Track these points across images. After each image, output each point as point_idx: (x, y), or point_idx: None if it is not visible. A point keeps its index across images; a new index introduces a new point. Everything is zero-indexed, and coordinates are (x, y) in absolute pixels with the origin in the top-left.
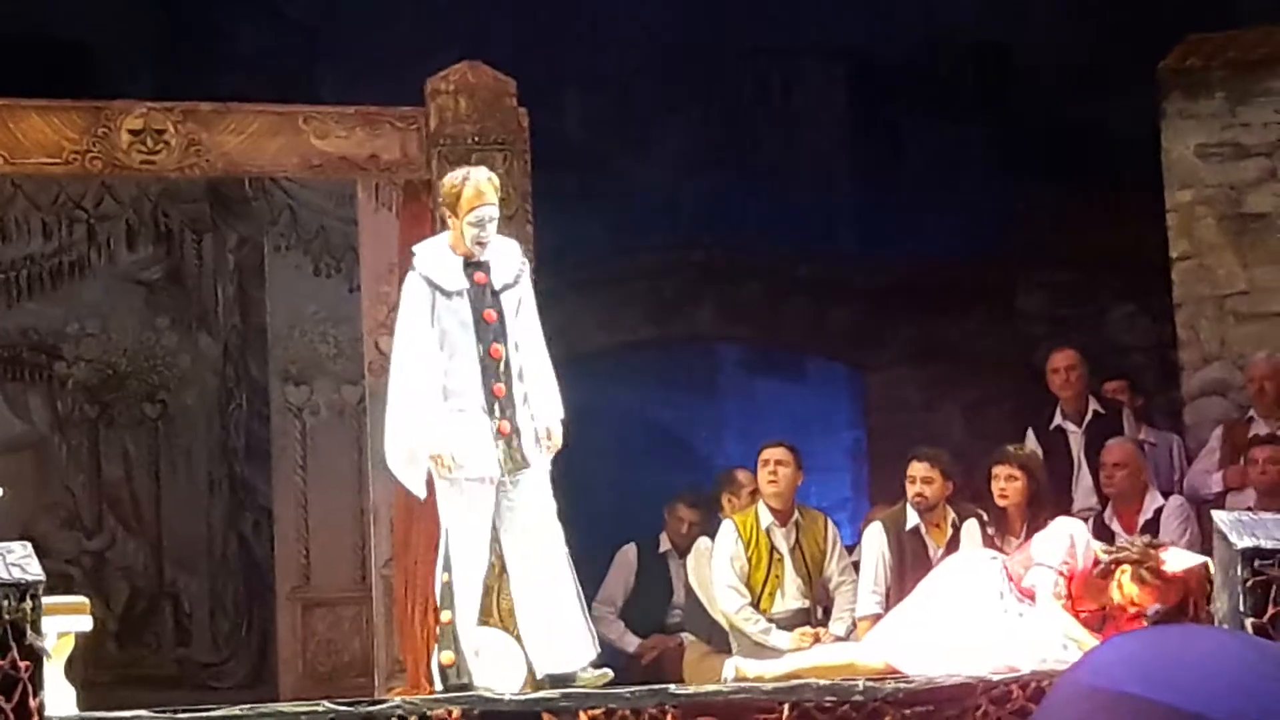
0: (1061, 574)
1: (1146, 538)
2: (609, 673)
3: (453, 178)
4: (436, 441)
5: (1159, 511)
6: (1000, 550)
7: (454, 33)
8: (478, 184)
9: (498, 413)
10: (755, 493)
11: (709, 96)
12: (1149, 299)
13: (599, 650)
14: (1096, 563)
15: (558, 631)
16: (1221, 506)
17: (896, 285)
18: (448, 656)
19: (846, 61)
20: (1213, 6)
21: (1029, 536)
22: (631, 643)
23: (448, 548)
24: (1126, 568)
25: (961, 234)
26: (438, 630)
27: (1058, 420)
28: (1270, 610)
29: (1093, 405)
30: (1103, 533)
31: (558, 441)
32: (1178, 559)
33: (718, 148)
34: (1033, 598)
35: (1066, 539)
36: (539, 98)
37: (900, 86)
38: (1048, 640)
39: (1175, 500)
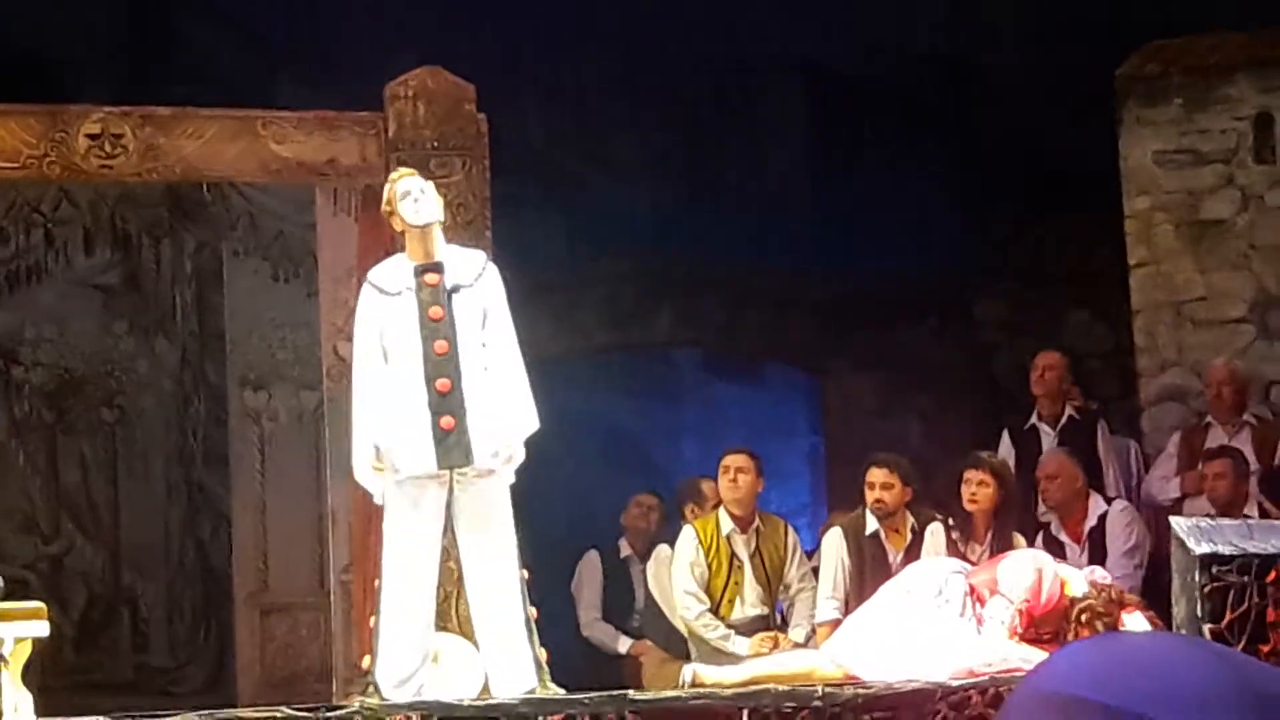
0: (1020, 610)
1: (1118, 590)
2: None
3: (385, 191)
4: (372, 442)
5: (1104, 518)
6: (964, 557)
7: (413, 38)
8: (396, 173)
9: (441, 408)
10: (718, 505)
11: (669, 105)
12: (1106, 306)
13: (539, 682)
14: (1063, 597)
15: (503, 654)
16: (1179, 512)
17: (854, 293)
18: (366, 661)
19: (805, 73)
20: (1170, 14)
21: (995, 543)
22: (624, 643)
23: (384, 553)
24: (1086, 615)
25: (919, 242)
26: None
27: (1033, 420)
28: (1227, 616)
29: (1069, 410)
30: (1051, 543)
31: (515, 456)
32: (1137, 624)
33: (678, 156)
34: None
35: (1033, 574)
36: (499, 104)
37: (858, 98)
38: (993, 660)
39: (1119, 505)
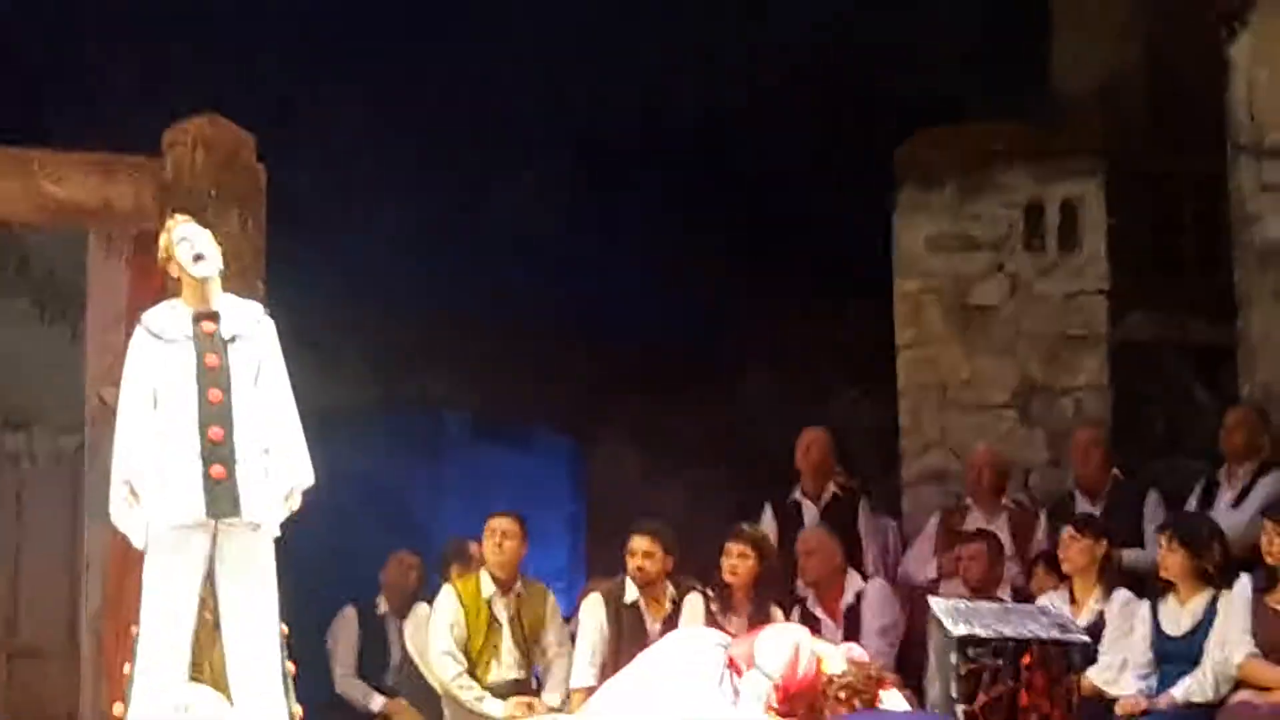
0: (777, 685)
1: (876, 668)
2: None
3: (162, 239)
4: (125, 482)
5: (861, 595)
6: (721, 628)
7: (193, 82)
8: (173, 219)
9: (213, 457)
10: (481, 566)
11: (442, 163)
12: (874, 384)
13: None
14: (820, 674)
15: (257, 708)
16: (936, 593)
17: (624, 362)
18: (119, 709)
19: (580, 139)
20: (946, 100)
21: (753, 616)
22: (377, 701)
23: (143, 600)
24: (844, 692)
25: (690, 313)
26: None
27: (796, 495)
28: (981, 698)
29: (831, 487)
30: (808, 618)
31: (294, 504)
32: (893, 702)
33: (451, 214)
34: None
35: (790, 650)
36: (275, 154)
37: (631, 167)
38: None
39: (876, 583)
